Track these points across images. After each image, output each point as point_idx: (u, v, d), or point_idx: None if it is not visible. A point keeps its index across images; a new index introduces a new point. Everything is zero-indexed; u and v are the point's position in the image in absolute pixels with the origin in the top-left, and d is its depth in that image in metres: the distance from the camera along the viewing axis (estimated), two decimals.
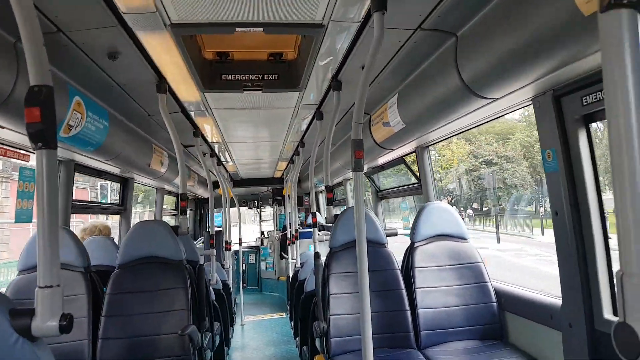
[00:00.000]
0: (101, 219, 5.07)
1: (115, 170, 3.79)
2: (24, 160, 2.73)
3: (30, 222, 2.83)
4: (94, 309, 2.59)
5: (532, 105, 2.14)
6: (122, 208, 4.24)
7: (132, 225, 3.32)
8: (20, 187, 2.72)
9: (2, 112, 1.83)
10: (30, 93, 1.07)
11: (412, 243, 2.93)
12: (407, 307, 2.78)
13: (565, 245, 2.01)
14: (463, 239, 2.95)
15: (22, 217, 2.74)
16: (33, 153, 2.66)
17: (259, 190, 10.30)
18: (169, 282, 2.73)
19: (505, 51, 1.66)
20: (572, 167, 1.97)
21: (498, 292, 2.80)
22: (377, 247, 2.89)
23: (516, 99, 2.12)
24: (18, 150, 2.60)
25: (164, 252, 2.82)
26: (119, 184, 4.22)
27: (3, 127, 2.02)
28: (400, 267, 2.91)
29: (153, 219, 5.29)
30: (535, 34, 1.50)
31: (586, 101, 1.84)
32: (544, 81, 1.81)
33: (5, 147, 2.49)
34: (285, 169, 7.37)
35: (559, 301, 2.17)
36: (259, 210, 11.38)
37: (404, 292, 2.81)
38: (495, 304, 2.77)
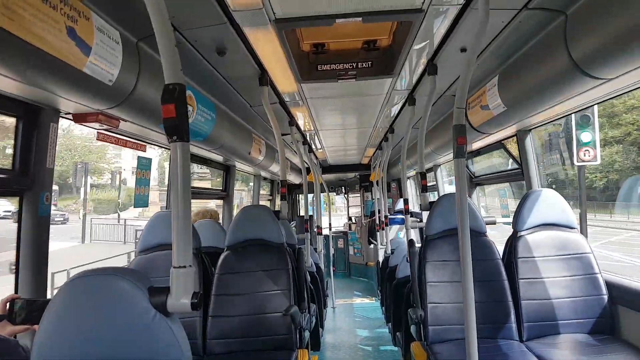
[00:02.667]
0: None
1: (219, 158, 4.09)
2: (141, 150, 2.99)
3: (147, 206, 3.15)
4: (204, 288, 2.80)
5: None
6: (225, 194, 4.58)
7: (234, 210, 3.54)
8: (138, 175, 3.02)
9: (125, 107, 2.03)
10: (166, 91, 1.17)
11: (515, 232, 2.80)
12: (510, 298, 2.68)
13: None
14: (571, 228, 2.75)
15: (139, 202, 3.03)
16: (149, 144, 2.99)
17: (346, 177, 10.41)
18: (272, 263, 2.88)
19: (620, 28, 1.54)
20: None
21: (609, 285, 2.60)
22: (477, 236, 2.80)
23: (632, 79, 1.94)
24: (136, 141, 2.84)
25: (267, 235, 2.97)
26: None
27: (125, 120, 2.24)
28: (501, 257, 2.80)
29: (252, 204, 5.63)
30: None
31: None
32: None
33: (125, 138, 2.74)
34: (373, 155, 7.36)
35: None
36: (346, 196, 11.53)
37: (506, 282, 2.70)
38: (606, 296, 2.57)
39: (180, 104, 1.17)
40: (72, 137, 32.74)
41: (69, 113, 2.08)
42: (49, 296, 1.91)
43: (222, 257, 2.93)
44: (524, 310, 2.64)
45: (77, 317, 1.02)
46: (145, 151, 3.04)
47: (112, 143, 2.61)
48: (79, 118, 2.08)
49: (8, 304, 1.45)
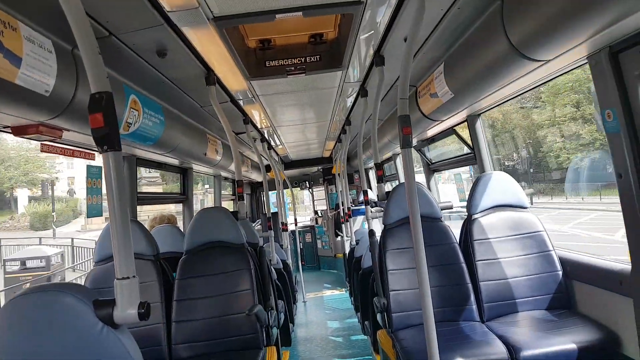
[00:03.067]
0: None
1: (174, 161, 3.99)
2: (90, 159, 2.91)
3: (101, 215, 3.06)
4: (166, 294, 2.76)
5: (587, 64, 2.01)
6: (184, 197, 4.48)
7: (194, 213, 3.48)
8: (89, 184, 2.93)
9: (67, 116, 1.96)
10: (93, 100, 1.14)
11: (470, 215, 2.87)
12: (468, 280, 2.75)
13: (631, 208, 1.90)
14: (523, 207, 2.86)
15: (93, 211, 2.95)
16: (98, 152, 2.89)
17: (310, 171, 10.42)
18: (233, 264, 2.86)
19: (555, 9, 1.58)
20: (634, 126, 1.84)
21: (563, 261, 2.70)
22: (432, 222, 2.86)
23: (569, 58, 2.01)
24: (84, 150, 2.76)
25: (227, 236, 2.95)
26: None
27: (68, 130, 2.16)
28: (458, 241, 2.87)
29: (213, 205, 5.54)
30: None
31: None
32: (599, 38, 1.70)
33: (72, 147, 2.66)
34: (334, 148, 7.40)
35: (628, 267, 2.07)
36: (310, 190, 11.55)
37: (464, 265, 2.78)
38: (560, 272, 2.68)
39: (109, 112, 1.13)
40: (6, 148, 31.06)
41: (8, 126, 1.99)
42: None
43: (181, 261, 2.89)
44: (483, 291, 2.72)
45: (21, 337, 0.99)
46: (94, 159, 2.96)
47: (58, 154, 2.52)
48: (19, 131, 1.99)
49: None
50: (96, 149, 2.75)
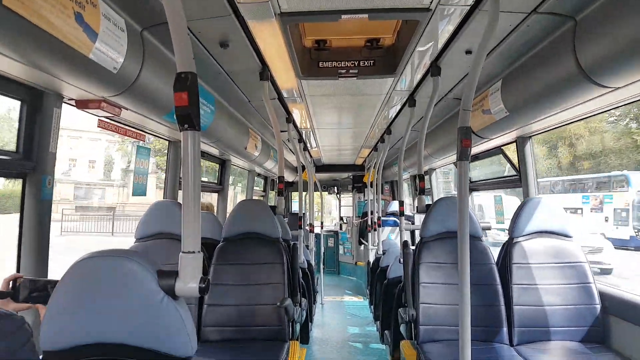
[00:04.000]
0: None
1: (215, 151, 4.05)
2: (141, 140, 3.00)
3: (145, 195, 3.14)
4: None
5: None
6: (220, 187, 4.54)
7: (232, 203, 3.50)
8: (137, 164, 3.02)
9: (128, 95, 2.03)
10: (179, 79, 1.16)
11: (511, 238, 2.80)
12: (502, 302, 2.68)
13: None
14: (567, 236, 2.76)
15: (137, 190, 3.04)
16: (149, 133, 2.97)
17: (340, 176, 10.41)
18: (267, 257, 2.89)
19: (631, 37, 1.54)
20: None
21: (602, 295, 2.61)
22: (473, 241, 2.80)
23: (639, 88, 1.92)
24: (136, 130, 2.85)
25: (264, 229, 2.98)
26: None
27: (127, 109, 2.23)
28: (496, 262, 2.80)
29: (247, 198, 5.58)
30: None
31: None
32: None
33: (125, 127, 2.73)
34: (368, 156, 7.35)
35: None
36: (338, 195, 11.53)
37: (500, 287, 2.70)
38: (598, 306, 2.58)
39: (193, 92, 1.16)
40: None
41: (72, 99, 2.07)
42: (49, 277, 1.91)
43: (218, 247, 2.94)
44: (516, 315, 2.64)
45: (85, 297, 1.01)
46: (144, 141, 3.05)
47: (112, 131, 2.61)
48: (82, 104, 2.08)
49: (11, 283, 1.48)
50: (147, 131, 2.88)
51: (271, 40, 2.29)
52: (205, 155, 4.04)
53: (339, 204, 11.76)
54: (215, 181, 4.58)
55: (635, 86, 1.88)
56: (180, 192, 3.37)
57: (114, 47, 1.73)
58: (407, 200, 7.74)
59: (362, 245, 8.62)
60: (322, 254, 8.38)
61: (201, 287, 1.11)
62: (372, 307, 5.91)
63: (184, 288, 1.07)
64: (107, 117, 2.33)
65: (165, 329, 1.04)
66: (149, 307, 1.02)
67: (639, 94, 2.06)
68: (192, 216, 1.16)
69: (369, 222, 6.93)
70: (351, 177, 9.89)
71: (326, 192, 11.17)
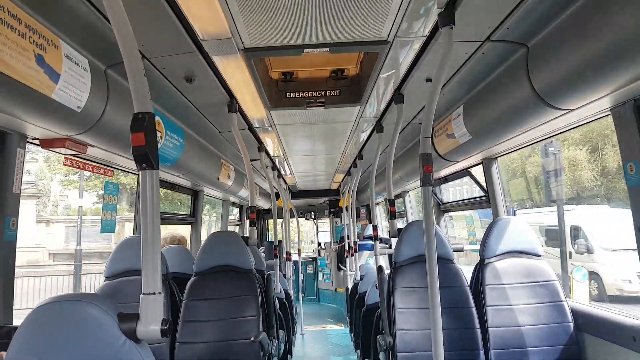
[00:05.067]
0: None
1: (187, 183, 4.02)
2: (109, 176, 2.97)
3: (114, 232, 3.08)
4: (172, 314, 2.73)
5: (610, 116, 2.03)
6: (193, 219, 4.48)
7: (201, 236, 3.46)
8: (105, 200, 2.97)
9: (94, 133, 2.02)
10: (135, 120, 1.17)
11: (482, 259, 2.83)
12: (477, 325, 2.69)
13: None
14: (536, 255, 2.82)
15: (107, 227, 2.97)
16: (116, 169, 2.94)
17: (316, 202, 10.41)
18: (241, 290, 2.84)
19: (582, 60, 1.61)
20: None
21: (575, 312, 2.64)
22: (444, 263, 2.82)
23: (593, 109, 2.03)
24: (104, 167, 2.82)
25: (236, 261, 2.93)
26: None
27: (92, 146, 2.23)
28: (469, 284, 2.83)
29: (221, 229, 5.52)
30: (613, 43, 1.45)
31: None
32: (624, 91, 1.73)
33: (93, 163, 2.72)
34: (342, 180, 7.41)
35: None
36: (315, 221, 11.50)
37: (474, 309, 2.72)
38: (572, 324, 2.61)
39: (150, 132, 1.17)
40: None
41: (36, 138, 2.06)
42: (15, 323, 1.84)
43: (190, 283, 2.88)
44: (492, 337, 2.65)
45: (45, 344, 1.00)
46: (112, 177, 3.02)
47: (79, 168, 2.59)
48: (46, 143, 2.07)
49: None
50: (115, 166, 2.85)
51: (237, 74, 2.33)
52: (176, 187, 4.00)
53: (317, 230, 11.72)
54: (188, 213, 4.52)
55: (588, 108, 1.96)
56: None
57: (77, 86, 1.73)
58: (385, 222, 7.79)
59: (341, 271, 8.57)
60: (300, 282, 8.28)
61: (163, 329, 1.09)
62: (352, 334, 5.84)
63: (145, 331, 1.06)
64: (73, 155, 2.30)
65: None
66: (110, 352, 1.01)
67: (592, 115, 2.15)
68: (152, 255, 1.16)
69: (346, 247, 6.93)
70: (327, 202, 9.91)
71: (303, 218, 11.14)
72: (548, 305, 2.67)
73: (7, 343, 1.42)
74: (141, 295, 1.12)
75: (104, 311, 1.02)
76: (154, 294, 1.13)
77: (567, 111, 1.98)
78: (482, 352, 2.66)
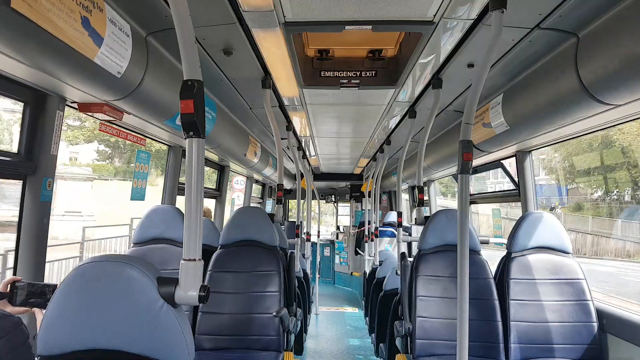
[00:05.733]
0: None
1: (214, 157, 4.05)
2: (141, 144, 3.01)
3: (143, 199, 3.13)
4: None
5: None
6: (218, 193, 4.54)
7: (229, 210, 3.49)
8: (137, 168, 3.02)
9: (131, 99, 2.03)
10: (185, 87, 1.17)
11: (509, 253, 2.79)
12: (499, 318, 2.66)
13: None
14: (565, 252, 2.75)
15: (136, 195, 3.03)
16: (150, 138, 2.98)
17: (337, 185, 10.41)
18: (264, 265, 2.88)
19: (632, 54, 1.54)
20: None
21: (600, 313, 2.59)
22: (471, 254, 2.79)
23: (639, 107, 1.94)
24: (137, 134, 2.86)
25: (262, 236, 2.97)
26: None
27: (129, 113, 2.24)
28: (493, 277, 2.79)
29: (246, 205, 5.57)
30: None
31: None
32: None
33: (126, 131, 2.75)
34: (366, 165, 7.36)
35: None
36: (335, 204, 11.52)
37: (497, 302, 2.69)
38: (596, 324, 2.57)
39: (199, 100, 1.17)
40: None
41: (75, 102, 2.08)
42: (45, 281, 1.90)
43: (215, 255, 2.93)
44: (513, 331, 2.63)
45: (85, 302, 1.01)
46: (144, 145, 3.05)
47: (113, 135, 2.62)
48: (84, 107, 2.09)
49: (9, 286, 1.48)
50: (148, 135, 2.88)
51: (274, 49, 2.30)
52: (205, 161, 4.04)
53: (336, 213, 11.74)
54: (214, 187, 4.57)
55: (636, 104, 1.88)
56: (177, 197, 3.36)
57: (119, 51, 1.74)
58: (405, 211, 7.74)
59: (359, 256, 8.60)
60: (317, 263, 8.34)
61: (201, 295, 1.10)
62: (367, 318, 5.88)
63: (184, 296, 1.07)
64: (108, 121, 2.33)
65: (164, 337, 1.03)
66: (148, 315, 1.02)
67: (637, 112, 2.07)
68: (195, 224, 1.16)
69: (366, 232, 6.91)
70: (349, 186, 9.89)
71: (324, 201, 11.16)
72: (573, 304, 2.63)
73: (39, 300, 1.48)
74: (181, 261, 1.13)
75: (144, 274, 1.03)
76: (194, 260, 1.14)
77: (613, 106, 1.90)
78: (502, 345, 2.64)
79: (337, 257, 10.27)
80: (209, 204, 4.69)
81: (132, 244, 2.82)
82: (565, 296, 2.66)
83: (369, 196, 6.80)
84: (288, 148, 4.33)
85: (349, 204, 10.48)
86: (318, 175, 8.76)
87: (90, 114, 2.10)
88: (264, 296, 2.81)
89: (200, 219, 1.18)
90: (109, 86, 1.84)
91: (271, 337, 2.74)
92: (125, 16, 1.79)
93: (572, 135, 2.70)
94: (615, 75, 1.68)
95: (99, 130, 2.37)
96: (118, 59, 1.75)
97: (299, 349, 4.53)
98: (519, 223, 2.81)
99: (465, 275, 1.76)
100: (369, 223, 6.70)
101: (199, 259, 1.15)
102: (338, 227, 11.11)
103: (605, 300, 2.78)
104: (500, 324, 2.66)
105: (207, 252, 2.98)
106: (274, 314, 2.70)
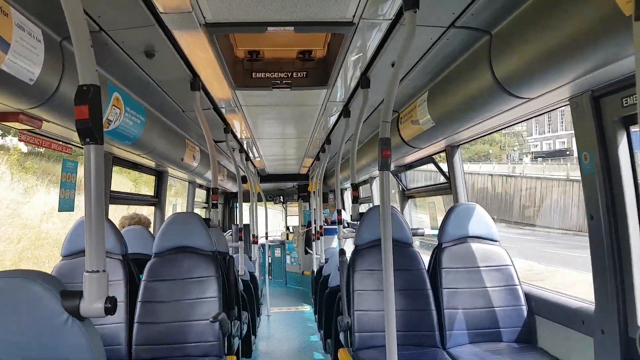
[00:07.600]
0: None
1: (150, 163, 3.91)
2: (67, 153, 2.86)
3: (72, 210, 2.98)
4: (131, 294, 2.71)
5: (568, 106, 2.09)
6: (156, 200, 4.39)
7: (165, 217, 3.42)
8: (63, 178, 2.86)
9: (48, 107, 1.92)
10: (80, 92, 1.13)
11: (440, 244, 2.91)
12: (433, 307, 2.77)
13: (600, 250, 1.97)
14: (493, 240, 2.91)
15: (64, 206, 2.88)
16: (75, 146, 2.83)
17: (285, 186, 10.39)
18: (201, 271, 2.82)
19: (542, 50, 1.64)
20: (610, 170, 1.91)
21: (528, 296, 2.76)
22: (402, 247, 2.89)
23: (552, 99, 2.08)
24: (61, 143, 2.71)
25: (197, 243, 2.91)
26: None
27: (48, 121, 2.12)
28: (427, 268, 2.90)
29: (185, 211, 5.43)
30: (573, 33, 1.47)
31: (627, 102, 1.79)
32: (582, 81, 1.77)
33: (49, 139, 2.60)
34: (311, 165, 7.41)
35: (591, 307, 2.12)
36: (284, 205, 11.50)
37: (430, 292, 2.80)
38: (524, 307, 2.73)
39: (95, 105, 1.13)
40: None
41: None
42: None
43: (149, 264, 2.85)
44: (447, 318, 2.74)
45: None
46: (70, 154, 2.90)
47: (35, 145, 2.47)
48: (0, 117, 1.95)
49: None
50: (74, 143, 2.74)
51: (200, 51, 2.25)
52: (139, 166, 3.89)
53: (285, 214, 11.73)
54: (152, 194, 4.42)
55: (547, 97, 2.01)
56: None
57: (30, 57, 1.64)
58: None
59: (308, 254, 8.65)
60: (267, 264, 8.29)
61: (107, 307, 1.08)
62: (316, 316, 5.94)
63: (89, 308, 1.05)
64: (28, 131, 2.20)
65: (70, 351, 1.01)
66: (52, 329, 1.00)
67: (551, 104, 2.22)
68: (96, 233, 1.13)
69: (313, 231, 6.97)
70: (296, 186, 9.90)
71: (272, 202, 11.10)
72: (503, 289, 2.78)
73: None
74: (85, 273, 1.10)
75: (45, 288, 1.00)
76: (98, 272, 1.11)
77: (526, 100, 2.02)
78: (437, 333, 2.75)
79: (288, 257, 10.27)
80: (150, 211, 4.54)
81: (61, 257, 2.71)
82: (495, 282, 2.80)
83: (315, 195, 6.85)
84: (233, 150, 4.27)
85: (297, 204, 10.50)
86: (265, 177, 8.70)
87: (6, 123, 1.97)
88: (201, 302, 2.76)
89: (101, 228, 1.15)
90: (22, 94, 1.73)
91: (211, 343, 2.69)
92: (35, 21, 1.69)
93: (496, 129, 2.86)
94: (525, 70, 1.78)
95: (19, 140, 2.23)
96: (29, 66, 1.65)
97: (248, 351, 4.50)
98: (448, 214, 2.94)
99: (390, 268, 1.81)
100: (315, 222, 6.75)
101: (103, 270, 1.12)
102: (288, 228, 11.10)
103: None
104: (434, 312, 2.77)
105: (143, 261, 2.91)
106: (211, 319, 2.65)
